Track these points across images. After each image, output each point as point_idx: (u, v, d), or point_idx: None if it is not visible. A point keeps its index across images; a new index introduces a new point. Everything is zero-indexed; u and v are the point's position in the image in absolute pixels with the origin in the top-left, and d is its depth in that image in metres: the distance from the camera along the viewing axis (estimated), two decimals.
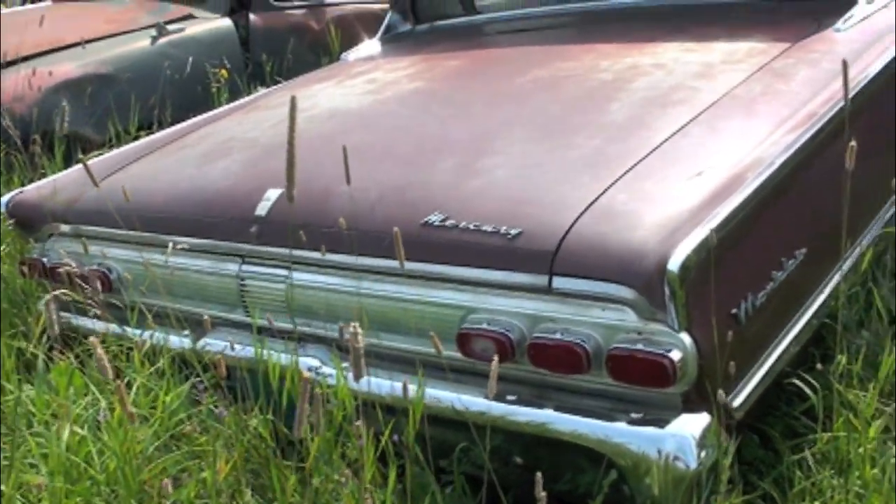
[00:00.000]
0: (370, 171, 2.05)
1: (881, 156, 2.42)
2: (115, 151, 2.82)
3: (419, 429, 1.68)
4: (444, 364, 1.70)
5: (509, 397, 1.75)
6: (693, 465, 1.59)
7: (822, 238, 1.98)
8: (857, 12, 2.58)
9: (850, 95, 2.17)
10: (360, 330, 1.48)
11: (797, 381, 1.90)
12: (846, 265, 2.04)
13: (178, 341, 2.10)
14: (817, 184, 1.99)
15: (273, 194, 2.03)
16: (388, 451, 1.71)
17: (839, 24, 2.52)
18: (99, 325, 2.23)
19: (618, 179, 1.80)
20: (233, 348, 2.00)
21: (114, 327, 2.20)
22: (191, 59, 4.43)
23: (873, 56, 2.41)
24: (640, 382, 1.64)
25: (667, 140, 1.94)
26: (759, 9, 2.86)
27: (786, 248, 1.88)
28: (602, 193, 1.76)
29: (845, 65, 1.69)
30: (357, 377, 1.52)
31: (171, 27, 4.61)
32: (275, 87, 3.55)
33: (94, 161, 2.55)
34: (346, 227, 1.83)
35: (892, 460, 1.77)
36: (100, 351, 1.48)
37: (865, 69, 2.34)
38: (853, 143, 1.62)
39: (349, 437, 1.75)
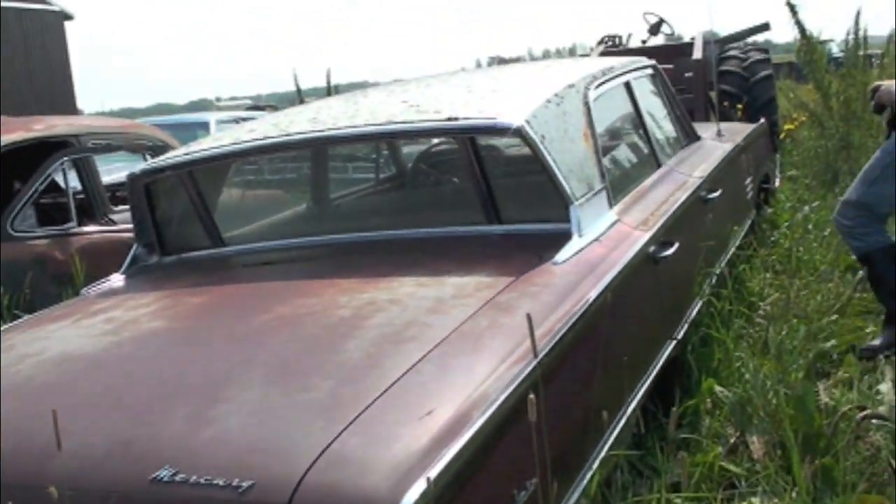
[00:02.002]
0: (98, 423, 1.96)
1: (606, 376, 2.60)
2: None
3: None
4: None
5: None
6: None
7: (553, 465, 2.07)
8: (572, 246, 2.83)
9: (570, 324, 2.38)
10: None
11: None
12: (577, 491, 2.13)
13: None
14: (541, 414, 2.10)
15: None
16: None
17: (558, 257, 2.74)
18: None
19: (351, 423, 1.82)
20: None
21: None
22: None
23: (589, 285, 2.64)
24: None
25: (399, 379, 1.99)
26: (489, 242, 3.07)
27: (517, 480, 1.95)
28: (335, 439, 1.76)
29: (529, 319, 1.84)
30: None
31: None
32: (6, 326, 3.36)
33: None
34: (60, 495, 1.71)
35: None
36: None
37: (583, 297, 2.55)
38: (532, 396, 1.74)
39: None
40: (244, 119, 11.38)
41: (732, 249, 4.37)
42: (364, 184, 4.55)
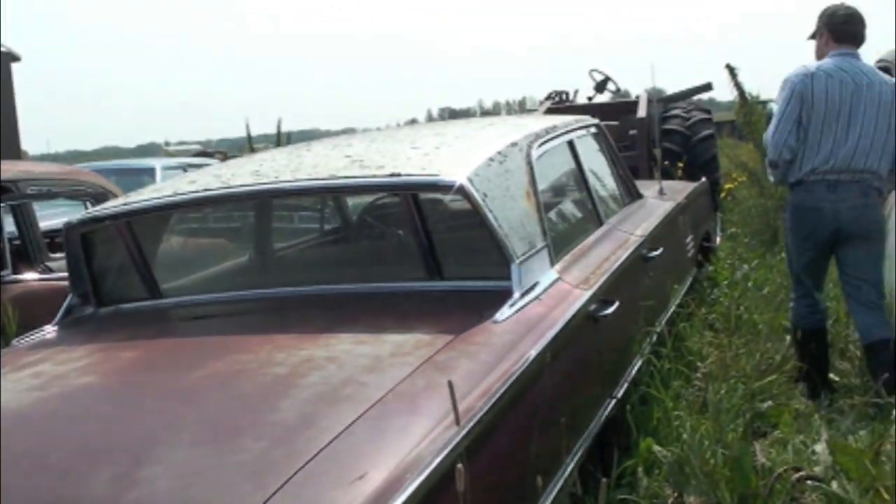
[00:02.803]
0: (19, 485, 1.89)
1: (545, 436, 2.59)
2: None
3: None
4: None
5: None
6: None
7: None
8: (513, 304, 2.83)
9: (507, 384, 2.37)
10: None
11: None
12: None
13: None
14: (475, 479, 2.08)
15: None
16: None
17: (498, 315, 2.74)
18: None
19: (281, 486, 1.78)
20: None
21: None
22: None
23: (528, 344, 2.63)
24: None
25: (333, 441, 1.96)
26: (430, 298, 3.06)
27: None
28: (265, 503, 1.72)
29: (451, 385, 1.82)
30: None
31: None
32: None
33: None
34: None
35: None
36: None
37: (522, 357, 2.55)
38: (460, 465, 1.73)
39: None
40: (192, 166, 11.31)
41: (673, 307, 4.42)
42: (308, 235, 4.53)
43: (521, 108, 13.17)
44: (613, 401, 3.27)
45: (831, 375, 4.35)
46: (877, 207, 4.26)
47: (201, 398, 2.32)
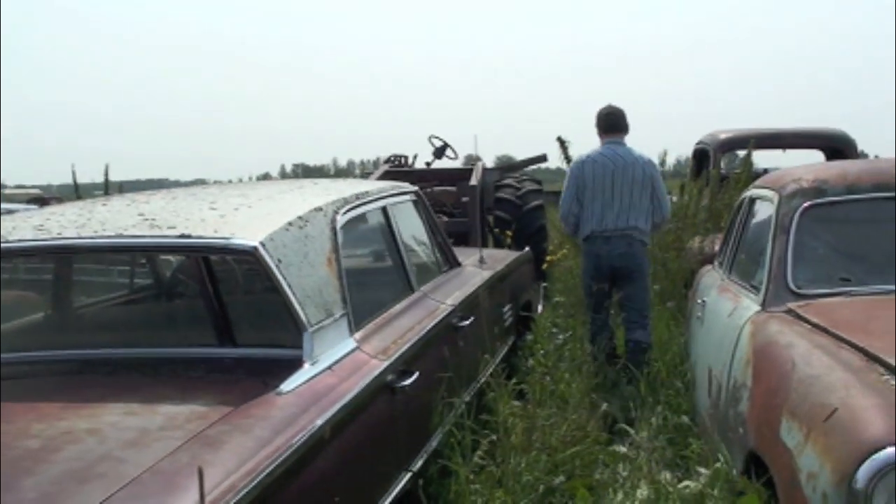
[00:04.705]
0: None
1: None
2: None
3: None
4: None
5: None
6: None
7: None
8: (302, 374, 2.73)
9: (279, 461, 2.26)
10: None
11: None
12: None
13: None
14: None
15: None
16: None
17: (283, 385, 2.64)
18: None
19: None
20: None
21: None
22: None
23: (310, 417, 2.54)
24: None
25: None
26: (221, 366, 2.92)
27: None
28: None
29: (200, 472, 1.73)
30: None
31: None
32: None
33: None
34: None
35: None
36: None
37: (300, 431, 2.45)
38: None
39: None
40: (10, 211, 10.69)
41: (484, 377, 4.41)
42: (117, 293, 4.29)
43: (375, 167, 13.15)
44: (409, 474, 3.20)
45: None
46: (641, 252, 5.81)
47: None
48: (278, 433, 2.39)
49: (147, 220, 3.05)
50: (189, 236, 2.87)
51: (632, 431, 4.52)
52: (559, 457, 4.03)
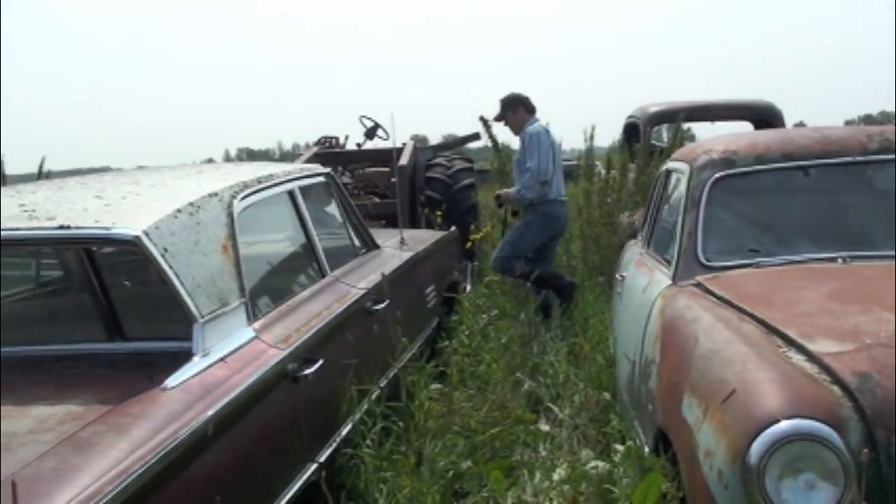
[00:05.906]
0: None
1: None
2: None
3: None
4: None
5: None
6: None
7: None
8: (190, 367, 2.62)
9: (153, 460, 2.15)
10: None
11: None
12: None
13: None
14: None
15: None
16: None
17: (169, 381, 2.53)
18: None
19: None
20: None
21: None
22: None
23: (195, 413, 2.43)
24: None
25: None
26: (109, 361, 2.80)
27: None
28: None
29: (13, 485, 1.62)
30: None
31: None
32: None
33: None
34: None
35: None
36: None
37: (182, 428, 2.34)
38: None
39: None
40: None
41: (403, 362, 4.32)
42: (22, 287, 4.11)
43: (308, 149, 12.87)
44: (315, 465, 3.11)
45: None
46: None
47: None
48: (158, 431, 2.28)
49: (27, 211, 2.90)
50: (68, 227, 2.74)
51: (556, 409, 4.48)
52: (478, 439, 3.97)
